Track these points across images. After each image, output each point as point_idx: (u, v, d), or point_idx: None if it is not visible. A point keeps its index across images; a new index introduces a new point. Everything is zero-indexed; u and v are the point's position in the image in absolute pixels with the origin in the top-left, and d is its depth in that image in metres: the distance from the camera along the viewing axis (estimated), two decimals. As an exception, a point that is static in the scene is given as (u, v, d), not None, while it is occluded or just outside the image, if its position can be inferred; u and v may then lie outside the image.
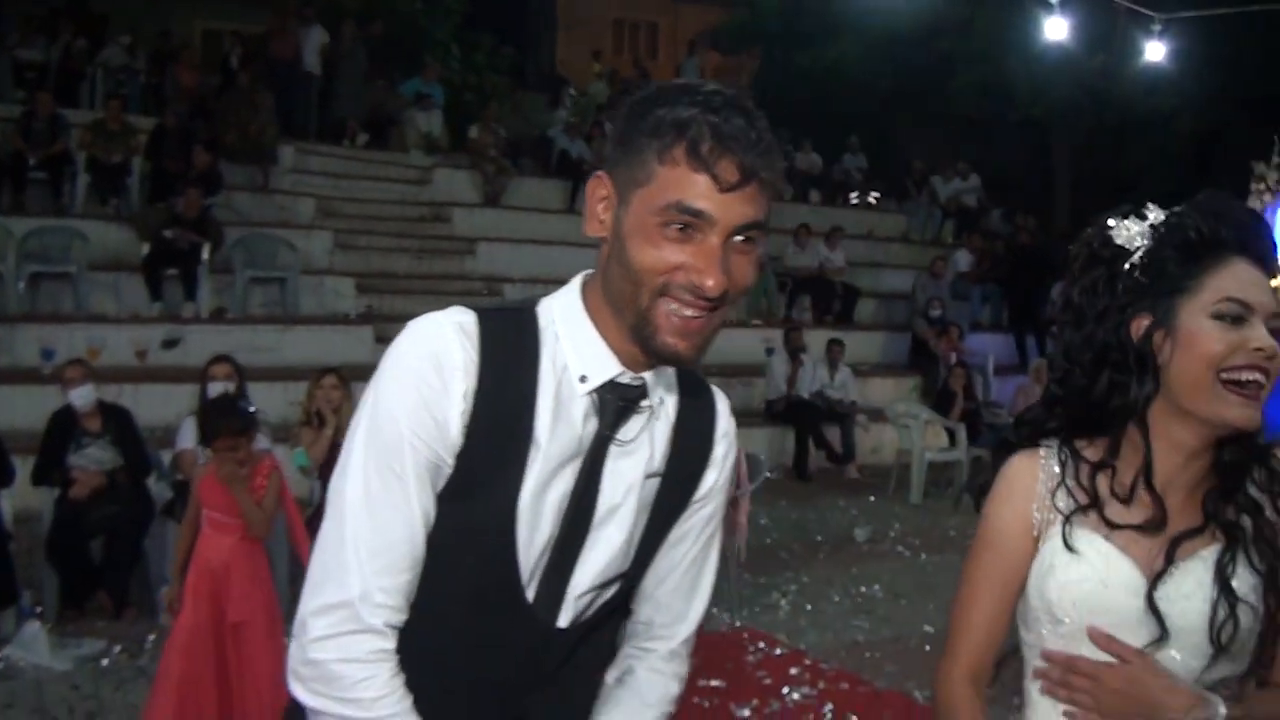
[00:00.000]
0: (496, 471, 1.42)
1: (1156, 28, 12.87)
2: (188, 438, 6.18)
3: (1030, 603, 1.63)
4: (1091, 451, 1.62)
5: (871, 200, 19.66)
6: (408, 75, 16.22)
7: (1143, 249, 1.59)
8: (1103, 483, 1.58)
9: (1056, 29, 13.03)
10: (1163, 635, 1.51)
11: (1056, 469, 1.63)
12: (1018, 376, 12.92)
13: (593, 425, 1.45)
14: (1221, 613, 1.50)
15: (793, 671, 5.49)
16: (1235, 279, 1.52)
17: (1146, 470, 1.56)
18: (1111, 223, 1.62)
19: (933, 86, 21.53)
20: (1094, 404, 1.61)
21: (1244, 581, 1.52)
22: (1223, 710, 1.49)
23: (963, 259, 16.05)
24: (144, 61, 15.01)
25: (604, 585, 1.51)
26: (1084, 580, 1.56)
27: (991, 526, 1.67)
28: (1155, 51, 13.12)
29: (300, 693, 1.41)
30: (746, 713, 4.94)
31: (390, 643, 1.40)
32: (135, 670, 5.25)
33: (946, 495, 10.16)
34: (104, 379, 7.15)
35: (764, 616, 6.52)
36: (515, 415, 1.42)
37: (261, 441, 6.34)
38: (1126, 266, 1.59)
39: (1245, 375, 1.49)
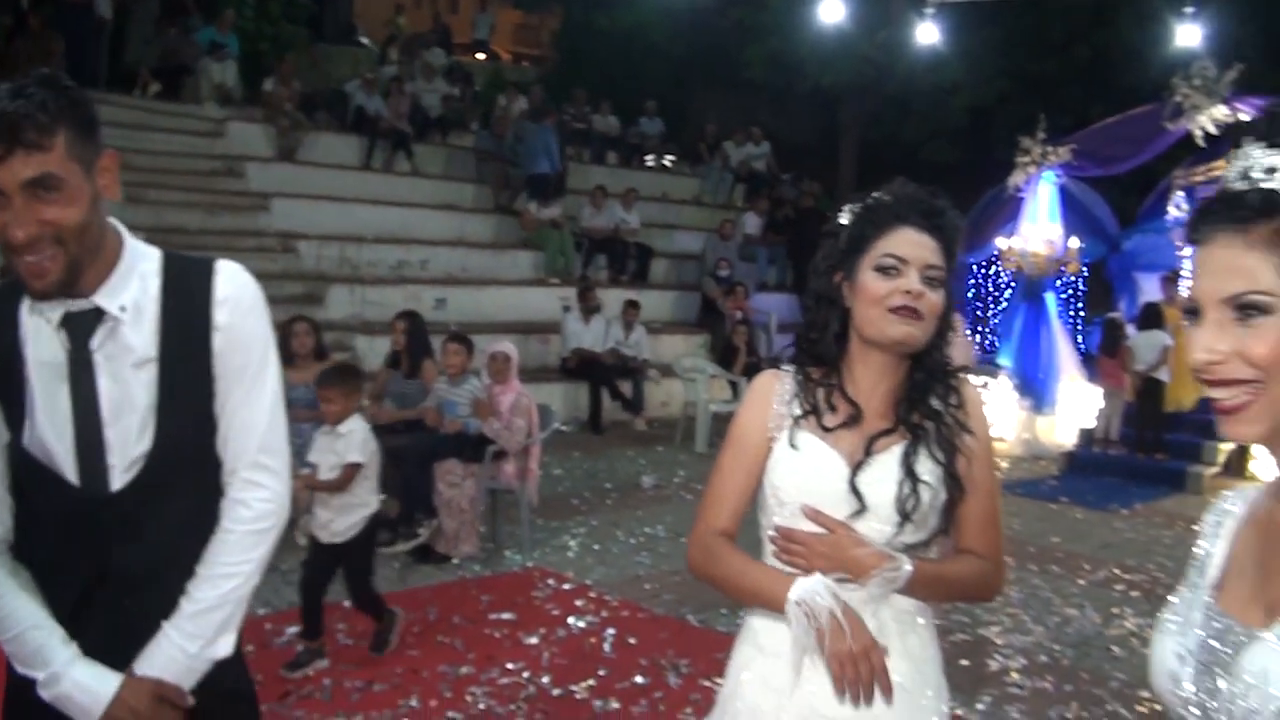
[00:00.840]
0: (13, 403, 1.88)
1: (930, 10, 13.72)
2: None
3: (764, 492, 2.10)
4: (817, 373, 2.11)
5: (666, 163, 20.14)
6: (202, 24, 15.71)
7: (847, 224, 2.10)
8: (821, 396, 2.08)
9: (832, 11, 13.77)
10: (861, 509, 2.00)
11: (790, 385, 2.12)
12: (799, 334, 13.69)
13: (66, 347, 1.88)
14: (906, 491, 2.00)
15: (578, 603, 5.97)
16: (894, 241, 2.03)
17: (843, 384, 2.08)
18: (843, 209, 2.13)
19: (728, 55, 22.16)
20: (818, 338, 2.11)
21: (925, 469, 2.02)
22: (908, 566, 1.97)
23: (751, 222, 16.80)
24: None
25: (144, 455, 1.90)
26: (801, 469, 2.04)
27: (739, 425, 2.15)
28: (928, 33, 13.97)
29: None
30: (534, 640, 5.37)
31: None
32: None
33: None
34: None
35: (554, 557, 6.96)
36: (8, 359, 1.88)
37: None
38: (837, 237, 2.11)
39: (902, 306, 2.00)
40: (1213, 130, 11.35)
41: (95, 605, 1.91)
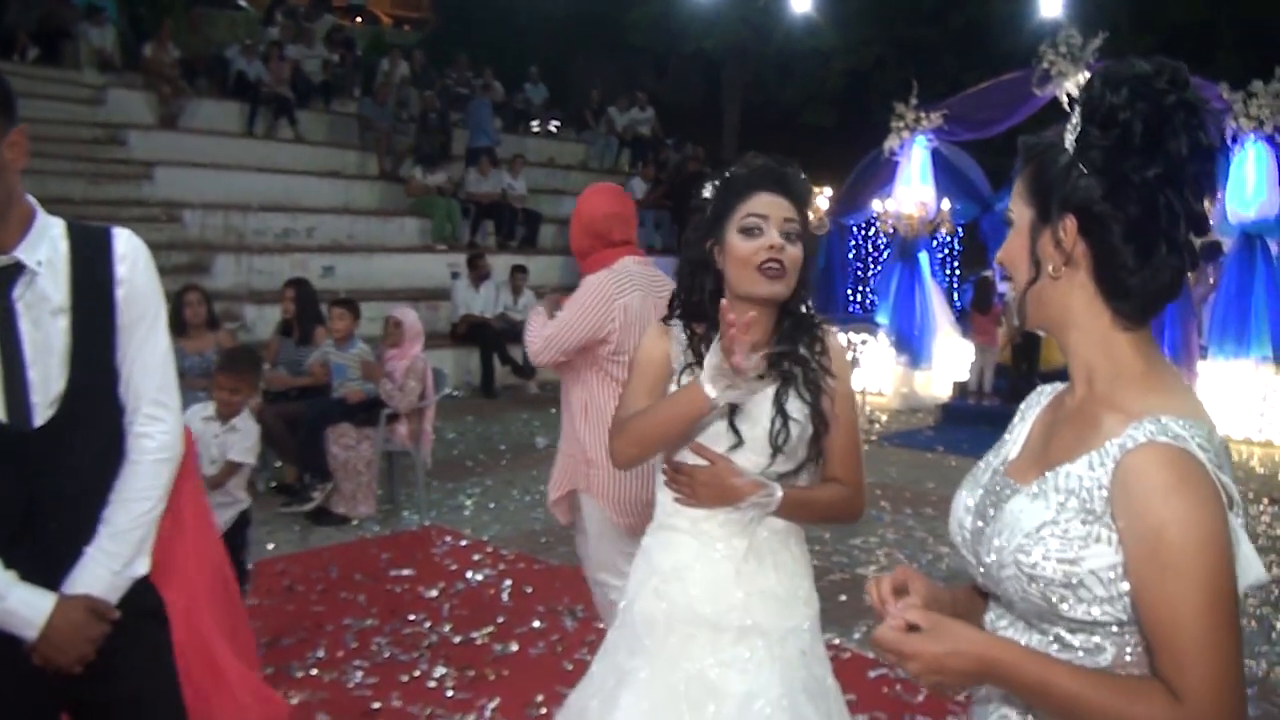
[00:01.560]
0: None
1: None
2: None
3: None
4: (699, 329, 2.41)
5: (552, 129, 20.23)
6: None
7: (710, 196, 2.40)
8: (703, 348, 2.36)
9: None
10: (739, 443, 2.31)
11: (681, 338, 2.42)
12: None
13: None
14: (777, 427, 2.30)
15: (475, 558, 6.18)
16: (753, 204, 2.33)
17: (711, 337, 2.35)
18: (705, 184, 2.44)
19: (611, 19, 22.32)
20: (698, 299, 2.42)
21: (794, 407, 2.33)
22: (778, 492, 2.28)
23: (637, 186, 17.02)
24: None
25: (61, 395, 2.13)
26: None
27: (642, 355, 2.45)
28: (801, 2, 14.28)
29: None
30: (434, 593, 5.56)
31: None
32: None
33: (618, 404, 11.05)
34: None
35: (450, 516, 7.15)
36: None
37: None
38: (704, 210, 2.41)
39: (767, 264, 2.29)
40: (1077, 95, 11.88)
41: (23, 534, 2.12)
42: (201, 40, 16.73)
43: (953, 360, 12.74)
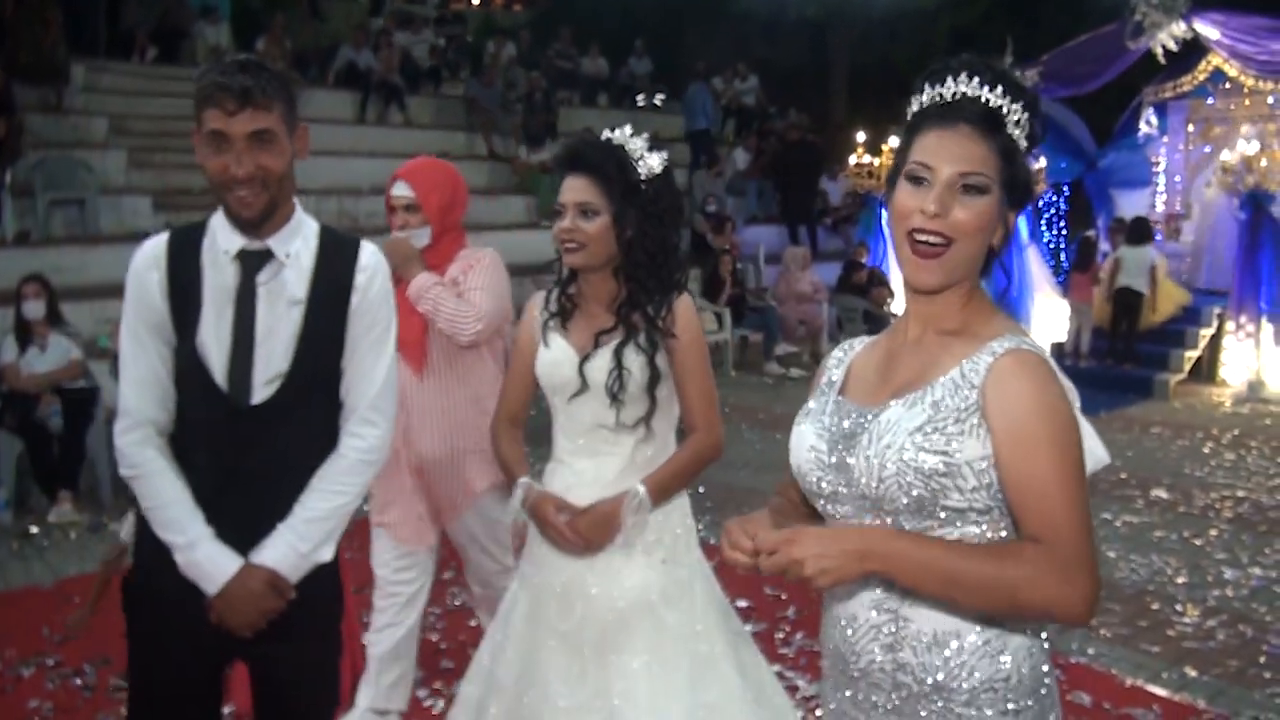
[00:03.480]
0: (188, 318, 2.33)
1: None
2: (9, 353, 6.86)
3: (537, 378, 2.80)
4: (562, 290, 2.79)
5: (657, 102, 20.43)
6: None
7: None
8: (567, 305, 2.76)
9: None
10: (583, 388, 2.67)
11: (543, 299, 2.81)
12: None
13: (238, 277, 2.34)
14: (613, 377, 2.65)
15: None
16: (563, 188, 2.74)
17: (568, 294, 2.78)
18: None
19: (713, -12, 22.35)
20: (558, 265, 2.81)
21: (631, 359, 2.66)
22: (642, 489, 2.64)
23: (740, 157, 17.15)
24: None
25: (280, 376, 2.33)
26: (549, 360, 2.75)
27: (518, 345, 2.88)
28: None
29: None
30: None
31: (150, 430, 2.35)
32: None
33: (718, 371, 11.31)
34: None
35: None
36: (189, 283, 2.34)
37: (74, 352, 7.02)
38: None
39: (564, 244, 2.72)
40: (1173, 47, 11.70)
41: (225, 500, 2.33)
42: (316, 31, 17.31)
43: (1052, 322, 12.68)
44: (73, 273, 9.91)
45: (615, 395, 2.64)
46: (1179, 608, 5.28)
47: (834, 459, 1.77)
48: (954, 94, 1.73)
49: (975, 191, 1.69)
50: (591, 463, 2.71)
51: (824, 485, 1.79)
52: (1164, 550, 6.15)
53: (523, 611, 2.79)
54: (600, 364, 2.66)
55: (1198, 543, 6.29)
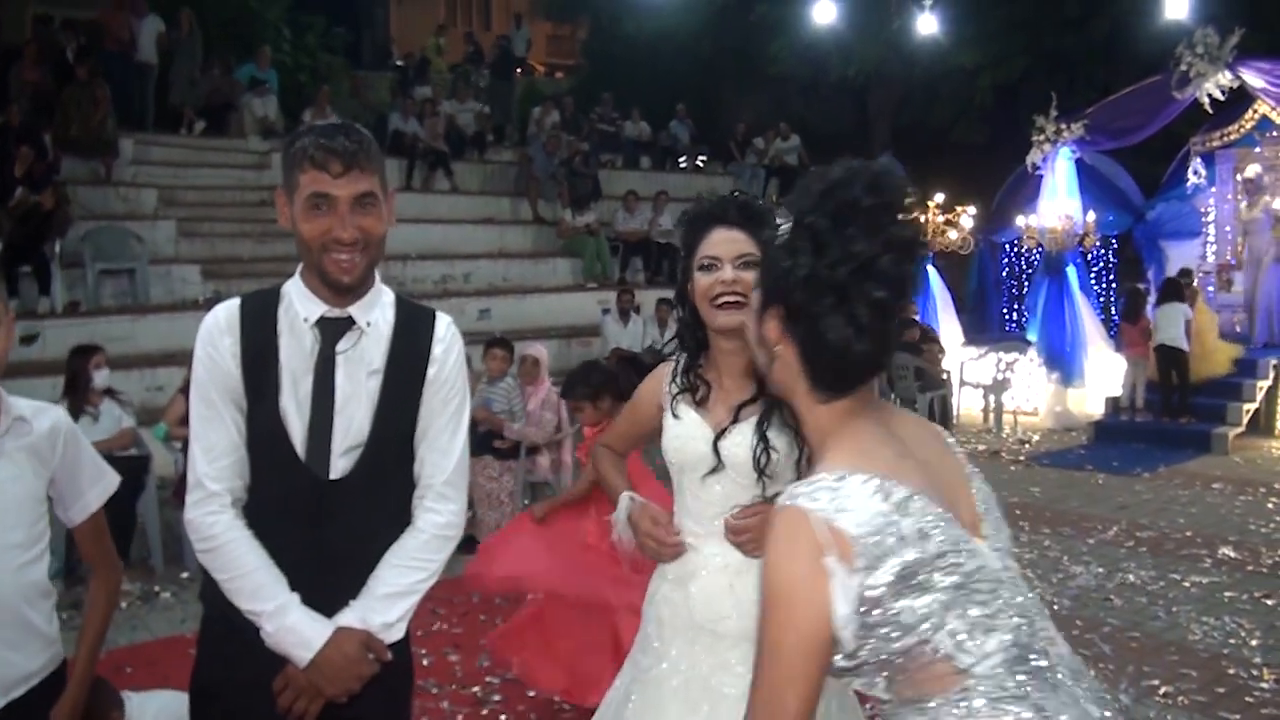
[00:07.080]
0: (264, 385, 2.24)
1: (928, 3, 14.00)
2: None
3: (664, 452, 2.58)
4: (693, 360, 2.56)
5: (699, 164, 20.50)
6: (241, 60, 16.33)
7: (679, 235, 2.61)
8: (699, 385, 2.53)
9: (825, 12, 14.19)
10: (719, 466, 2.42)
11: (672, 369, 2.58)
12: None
13: (317, 345, 2.27)
14: (759, 452, 2.40)
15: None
16: (710, 242, 2.46)
17: (700, 368, 2.54)
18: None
19: (753, 52, 22.49)
20: (686, 335, 2.57)
21: (777, 433, 2.42)
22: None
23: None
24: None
25: (359, 446, 2.25)
26: (679, 434, 2.50)
27: (638, 398, 2.70)
28: (927, 24, 14.21)
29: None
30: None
31: (226, 500, 2.23)
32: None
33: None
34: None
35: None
36: (265, 350, 2.25)
37: (125, 420, 7.03)
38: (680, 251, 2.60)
39: (721, 298, 2.42)
40: (1219, 95, 11.60)
41: (300, 575, 2.23)
42: (360, 102, 17.55)
43: (1106, 376, 12.49)
44: (122, 341, 10.01)
45: (763, 471, 2.40)
46: (1255, 672, 5.09)
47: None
48: None
49: None
50: (722, 547, 2.48)
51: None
52: (1236, 611, 5.95)
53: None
54: (739, 439, 2.42)
55: (1269, 603, 6.08)
